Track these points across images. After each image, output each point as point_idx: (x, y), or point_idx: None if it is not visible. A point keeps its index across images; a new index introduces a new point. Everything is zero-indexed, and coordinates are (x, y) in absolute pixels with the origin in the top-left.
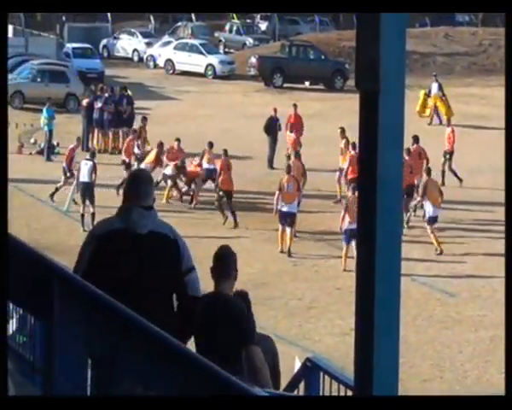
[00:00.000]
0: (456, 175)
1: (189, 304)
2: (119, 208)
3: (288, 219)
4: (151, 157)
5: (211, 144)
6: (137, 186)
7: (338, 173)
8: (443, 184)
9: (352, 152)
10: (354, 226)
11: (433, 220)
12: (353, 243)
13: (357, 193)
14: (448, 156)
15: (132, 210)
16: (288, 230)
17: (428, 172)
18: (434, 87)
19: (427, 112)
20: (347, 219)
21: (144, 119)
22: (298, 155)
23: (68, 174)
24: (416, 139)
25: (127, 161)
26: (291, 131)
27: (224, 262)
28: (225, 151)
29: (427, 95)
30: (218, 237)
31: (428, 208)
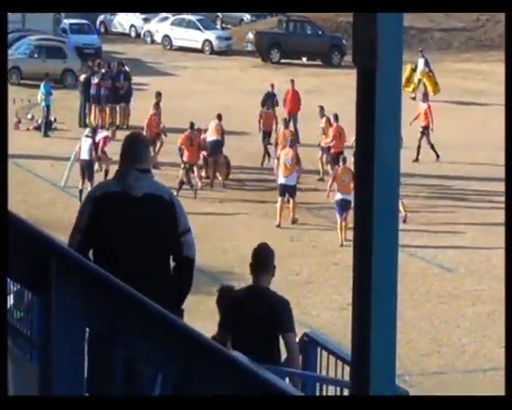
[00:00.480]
0: (434, 150)
1: (184, 264)
2: (115, 171)
3: (286, 191)
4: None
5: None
6: (133, 149)
7: (320, 152)
8: (417, 160)
9: (335, 125)
10: (344, 197)
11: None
12: (345, 214)
13: (346, 164)
14: (426, 132)
15: (128, 173)
16: (290, 201)
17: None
18: (421, 63)
19: (411, 87)
20: (337, 190)
21: (159, 94)
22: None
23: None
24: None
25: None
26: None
27: (263, 258)
28: (191, 124)
29: (414, 70)
30: (216, 213)
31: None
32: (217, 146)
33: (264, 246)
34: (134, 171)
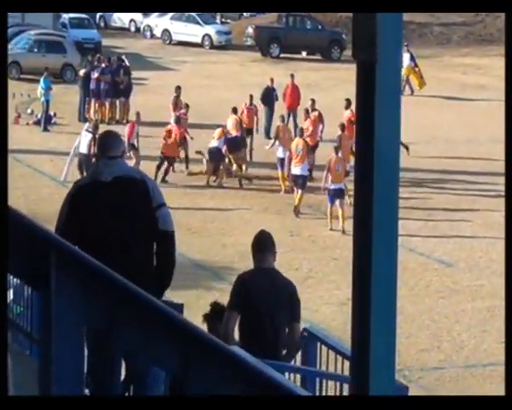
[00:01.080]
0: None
1: (161, 238)
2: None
3: (297, 181)
4: None
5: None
6: (103, 142)
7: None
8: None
9: (315, 114)
10: (337, 186)
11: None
12: (337, 203)
13: (340, 154)
14: None
15: (98, 162)
16: (299, 191)
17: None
18: (406, 58)
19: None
20: (330, 179)
21: (178, 88)
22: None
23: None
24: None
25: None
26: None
27: (267, 239)
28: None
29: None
30: (215, 208)
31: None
32: (238, 142)
33: (265, 231)
34: (103, 159)
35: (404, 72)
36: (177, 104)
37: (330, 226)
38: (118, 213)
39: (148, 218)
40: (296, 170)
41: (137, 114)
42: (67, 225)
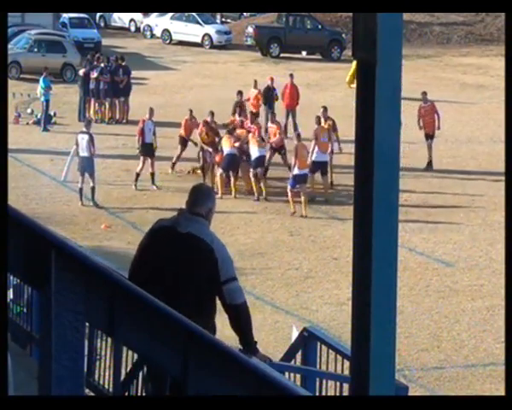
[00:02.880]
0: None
1: (230, 313)
2: (180, 211)
3: (319, 168)
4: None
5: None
6: (190, 195)
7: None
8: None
9: (329, 123)
10: (302, 172)
11: (316, 166)
12: (298, 187)
13: (313, 142)
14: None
15: (181, 213)
16: (301, 195)
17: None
18: None
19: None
20: (297, 164)
21: (240, 93)
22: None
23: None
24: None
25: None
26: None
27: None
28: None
29: None
30: (217, 208)
31: (315, 153)
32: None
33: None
34: (186, 212)
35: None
36: (241, 108)
37: (293, 211)
38: (181, 264)
39: (208, 283)
40: (321, 157)
41: (150, 110)
42: (139, 256)
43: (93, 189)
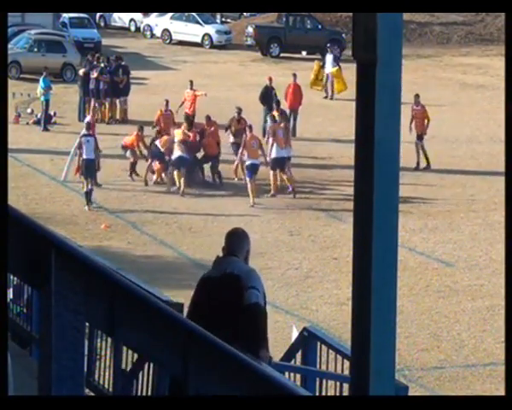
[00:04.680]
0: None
1: (245, 312)
2: (215, 259)
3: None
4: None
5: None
6: (230, 240)
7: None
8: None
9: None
10: (252, 161)
11: (276, 163)
12: (255, 176)
13: (252, 132)
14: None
15: (223, 260)
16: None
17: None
18: (329, 60)
19: (320, 85)
20: (246, 154)
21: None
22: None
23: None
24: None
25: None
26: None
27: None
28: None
29: (322, 67)
30: (217, 208)
31: (274, 150)
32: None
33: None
34: (229, 256)
35: (327, 73)
36: (239, 122)
37: (252, 202)
38: (222, 305)
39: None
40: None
41: (166, 101)
42: (193, 301)
43: (91, 191)
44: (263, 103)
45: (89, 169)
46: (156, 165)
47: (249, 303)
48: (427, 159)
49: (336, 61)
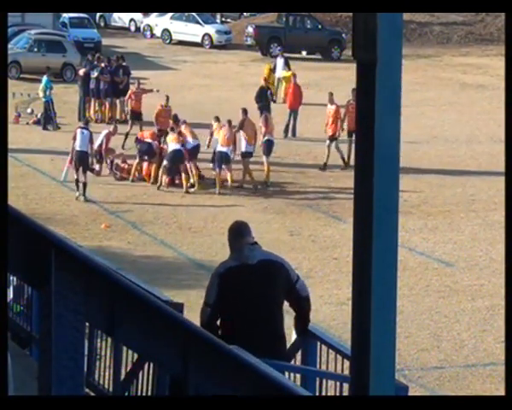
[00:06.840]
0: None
1: (305, 303)
2: (232, 251)
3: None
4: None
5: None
6: (237, 230)
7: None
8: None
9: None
10: (223, 149)
11: (247, 155)
12: (223, 166)
13: (245, 132)
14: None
15: (242, 248)
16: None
17: (245, 111)
18: (280, 64)
19: (272, 88)
20: (219, 143)
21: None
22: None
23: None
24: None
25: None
26: None
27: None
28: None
29: (273, 70)
30: (217, 208)
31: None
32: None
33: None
34: (246, 245)
35: (277, 77)
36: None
37: (218, 191)
38: (264, 292)
39: (286, 291)
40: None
41: (167, 97)
42: (216, 301)
43: (85, 184)
44: (257, 102)
45: (81, 161)
46: (148, 168)
47: (307, 295)
48: (343, 159)
49: (287, 64)
